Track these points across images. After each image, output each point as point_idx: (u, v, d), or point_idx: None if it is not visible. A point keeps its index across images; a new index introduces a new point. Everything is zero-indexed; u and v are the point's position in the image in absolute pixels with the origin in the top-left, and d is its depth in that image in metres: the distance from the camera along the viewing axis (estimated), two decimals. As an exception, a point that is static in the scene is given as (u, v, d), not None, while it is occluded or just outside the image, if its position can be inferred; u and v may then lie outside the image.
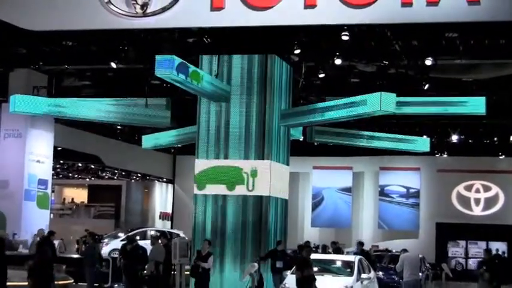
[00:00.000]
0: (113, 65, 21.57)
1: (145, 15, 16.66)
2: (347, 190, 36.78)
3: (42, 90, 23.94)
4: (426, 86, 22.15)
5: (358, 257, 18.00)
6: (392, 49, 19.94)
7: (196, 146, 18.43)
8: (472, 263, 34.37)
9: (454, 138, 31.15)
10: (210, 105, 18.17)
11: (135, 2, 16.77)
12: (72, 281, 17.91)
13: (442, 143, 32.15)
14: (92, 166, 38.75)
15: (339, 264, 17.60)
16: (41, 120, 24.66)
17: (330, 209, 36.81)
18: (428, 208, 36.02)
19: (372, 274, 18.14)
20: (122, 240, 24.50)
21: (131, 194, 44.11)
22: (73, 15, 17.01)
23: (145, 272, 17.64)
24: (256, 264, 15.54)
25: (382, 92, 16.12)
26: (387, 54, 20.48)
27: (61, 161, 36.19)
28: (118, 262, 19.63)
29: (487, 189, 35.89)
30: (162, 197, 45.14)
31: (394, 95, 16.30)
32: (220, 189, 17.85)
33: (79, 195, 47.00)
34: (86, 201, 45.89)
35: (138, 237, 23.44)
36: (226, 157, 17.98)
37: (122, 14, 16.67)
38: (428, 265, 24.83)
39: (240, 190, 17.74)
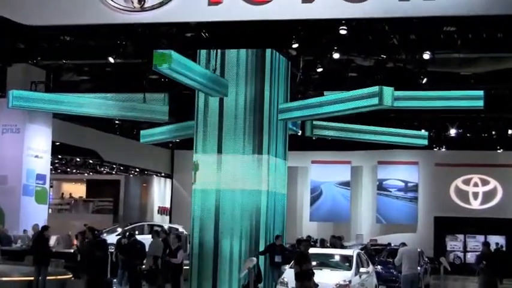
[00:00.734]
0: (111, 59, 21.54)
1: (143, 9, 16.58)
2: (345, 184, 36.82)
3: (40, 85, 23.95)
4: (424, 80, 22.15)
5: (356, 251, 18.03)
6: (390, 43, 19.93)
7: (194, 140, 18.41)
8: (471, 257, 34.46)
9: (453, 132, 31.14)
10: (207, 100, 18.14)
11: (132, -4, 16.74)
12: (71, 275, 17.95)
13: (440, 137, 32.18)
14: (90, 161, 38.77)
15: (337, 258, 17.63)
16: (39, 115, 24.67)
17: (328, 203, 36.86)
18: (426, 202, 36.08)
19: (371, 268, 18.18)
20: (117, 235, 24.53)
21: (129, 188, 44.14)
22: (71, 9, 16.93)
23: (143, 266, 17.67)
24: (254, 259, 15.53)
25: (381, 86, 16.10)
26: (385, 48, 20.48)
27: (59, 156, 36.23)
28: (114, 257, 19.67)
29: (485, 183, 35.95)
30: (160, 192, 45.12)
31: (392, 89, 16.28)
32: (219, 184, 17.83)
33: (77, 190, 47.03)
34: (84, 196, 45.92)
35: (137, 232, 23.46)
36: (224, 151, 17.95)
37: (120, 9, 16.60)
38: (426, 259, 24.88)
39: (239, 184, 17.73)
